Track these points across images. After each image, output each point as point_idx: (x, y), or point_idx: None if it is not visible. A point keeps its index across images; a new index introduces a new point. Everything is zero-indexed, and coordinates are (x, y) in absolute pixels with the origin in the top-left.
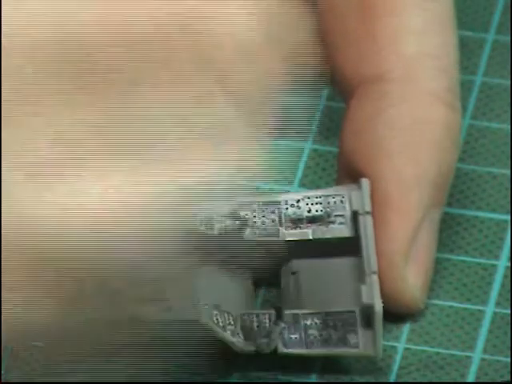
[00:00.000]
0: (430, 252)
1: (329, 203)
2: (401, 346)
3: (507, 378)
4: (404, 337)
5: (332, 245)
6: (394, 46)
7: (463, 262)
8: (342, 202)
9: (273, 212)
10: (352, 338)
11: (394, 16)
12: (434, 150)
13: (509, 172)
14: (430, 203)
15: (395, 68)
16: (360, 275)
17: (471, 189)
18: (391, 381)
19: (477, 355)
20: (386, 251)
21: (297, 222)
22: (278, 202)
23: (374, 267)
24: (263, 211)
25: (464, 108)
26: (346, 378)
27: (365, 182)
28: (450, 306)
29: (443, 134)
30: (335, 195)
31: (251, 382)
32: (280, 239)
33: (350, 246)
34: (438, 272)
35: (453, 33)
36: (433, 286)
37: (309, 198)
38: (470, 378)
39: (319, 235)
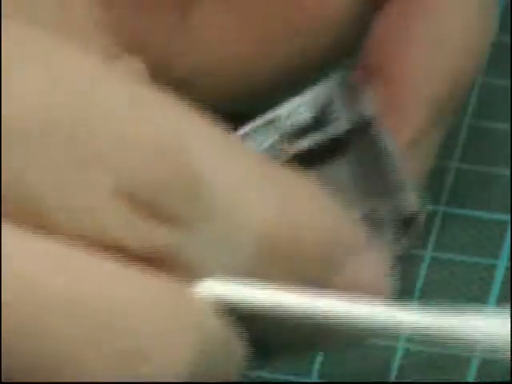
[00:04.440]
0: (421, 167)
1: (318, 105)
2: (401, 346)
3: (507, 378)
4: (404, 337)
5: (323, 150)
6: None
7: (463, 261)
8: (331, 103)
9: (273, 132)
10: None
11: None
12: (450, 71)
13: (509, 172)
14: (432, 122)
15: None
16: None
17: (471, 189)
18: (391, 381)
19: (477, 355)
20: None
21: (294, 134)
22: (274, 121)
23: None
24: (264, 135)
25: (464, 108)
26: (347, 378)
27: (365, 86)
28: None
29: (463, 53)
30: (323, 98)
31: (252, 382)
32: (289, 154)
33: (341, 149)
34: (438, 272)
35: None
36: (433, 287)
37: (299, 105)
38: (470, 379)
39: (320, 139)
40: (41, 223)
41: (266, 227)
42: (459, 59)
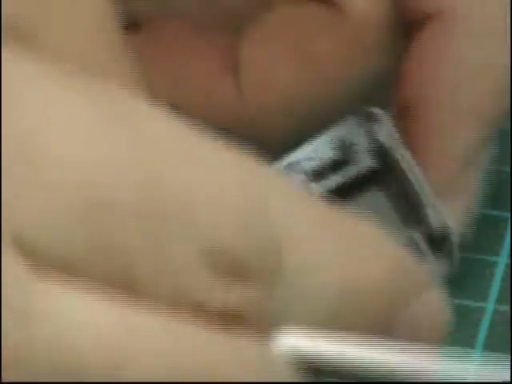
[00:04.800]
0: (472, 190)
1: (339, 144)
2: None
3: (507, 375)
4: None
5: (353, 185)
6: None
7: (463, 259)
8: (353, 138)
9: (299, 173)
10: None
11: None
12: (494, 88)
13: (509, 170)
14: (480, 139)
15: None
16: (399, 205)
17: None
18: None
19: (477, 352)
20: (430, 179)
21: (321, 173)
22: (299, 162)
23: (432, 194)
24: (288, 176)
25: None
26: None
27: (381, 113)
28: (450, 303)
29: (504, 75)
30: (344, 135)
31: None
32: (317, 194)
33: (372, 180)
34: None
35: None
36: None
37: (321, 145)
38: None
39: (348, 175)
40: (127, 284)
41: (343, 278)
42: (500, 79)
